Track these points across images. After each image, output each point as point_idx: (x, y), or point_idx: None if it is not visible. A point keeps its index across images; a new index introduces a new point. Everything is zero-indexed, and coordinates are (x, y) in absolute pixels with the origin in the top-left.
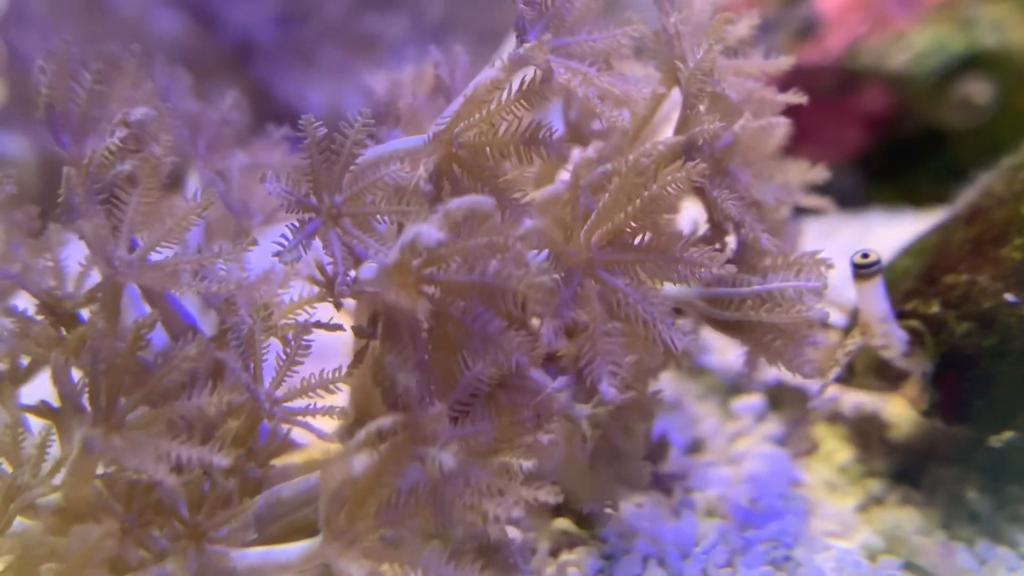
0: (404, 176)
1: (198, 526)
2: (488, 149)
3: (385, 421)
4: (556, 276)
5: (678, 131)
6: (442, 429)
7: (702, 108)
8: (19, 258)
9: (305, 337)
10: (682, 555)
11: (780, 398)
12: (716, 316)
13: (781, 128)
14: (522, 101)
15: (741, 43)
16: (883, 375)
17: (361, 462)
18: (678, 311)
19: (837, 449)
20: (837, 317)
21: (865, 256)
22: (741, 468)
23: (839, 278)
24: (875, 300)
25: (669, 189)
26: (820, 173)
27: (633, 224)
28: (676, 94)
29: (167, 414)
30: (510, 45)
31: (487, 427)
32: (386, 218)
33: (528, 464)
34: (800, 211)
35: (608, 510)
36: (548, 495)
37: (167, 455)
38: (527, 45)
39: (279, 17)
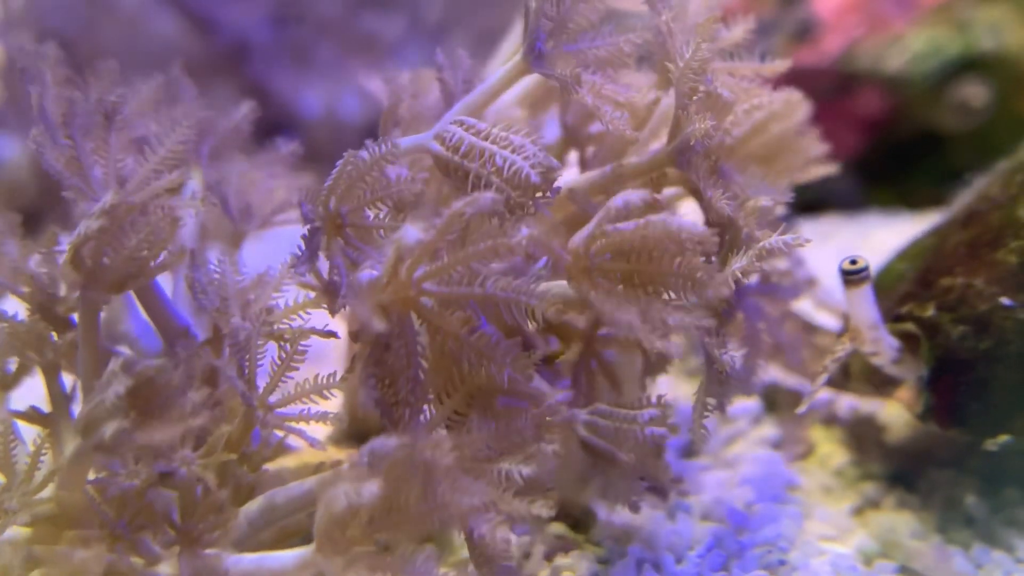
0: (405, 192)
1: (191, 532)
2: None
3: (388, 443)
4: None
5: (672, 133)
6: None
7: (693, 108)
8: (7, 262)
9: (302, 343)
10: (677, 559)
11: (776, 401)
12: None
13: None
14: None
15: (736, 47)
16: (878, 380)
17: (371, 491)
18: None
19: (833, 452)
20: (831, 321)
21: (853, 263)
22: (736, 471)
23: (833, 282)
24: (864, 307)
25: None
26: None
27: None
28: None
29: (159, 428)
30: (509, 44)
31: (483, 435)
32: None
33: (527, 471)
34: (796, 213)
35: (602, 515)
36: (543, 509)
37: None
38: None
39: (275, 17)
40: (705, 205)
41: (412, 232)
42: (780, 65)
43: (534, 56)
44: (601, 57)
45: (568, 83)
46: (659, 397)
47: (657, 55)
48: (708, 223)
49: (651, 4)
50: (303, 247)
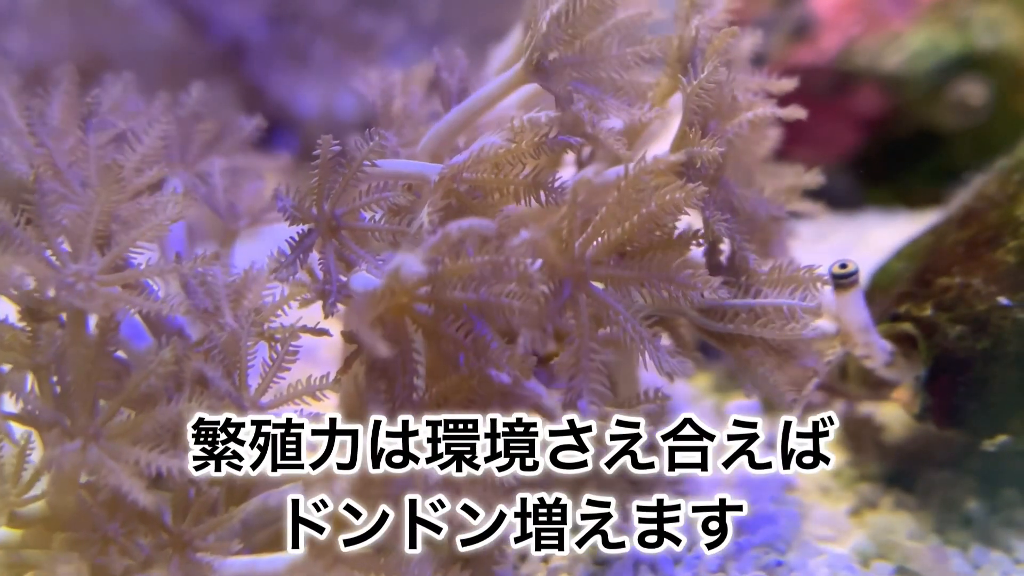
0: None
1: (183, 534)
2: (491, 190)
3: None
4: (546, 288)
5: (675, 145)
6: None
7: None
8: None
9: (293, 343)
10: (674, 560)
11: (774, 401)
12: (709, 328)
13: (773, 132)
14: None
15: (743, 59)
16: (875, 381)
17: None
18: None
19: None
20: (828, 323)
21: (843, 266)
22: (733, 471)
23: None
24: (855, 310)
25: (668, 210)
26: (814, 178)
27: (629, 240)
28: (675, 99)
29: (144, 422)
30: (506, 49)
31: None
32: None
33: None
34: (793, 213)
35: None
36: None
37: (146, 466)
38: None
39: (271, 16)
40: (705, 221)
41: (413, 264)
42: (787, 84)
43: (534, 67)
44: (601, 76)
45: (564, 99)
46: (656, 391)
47: (671, 58)
48: (707, 239)
49: (683, 10)
50: (288, 251)
